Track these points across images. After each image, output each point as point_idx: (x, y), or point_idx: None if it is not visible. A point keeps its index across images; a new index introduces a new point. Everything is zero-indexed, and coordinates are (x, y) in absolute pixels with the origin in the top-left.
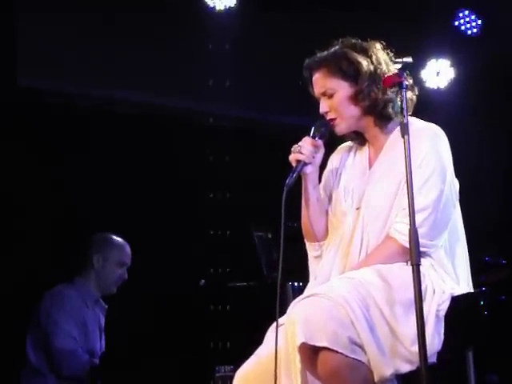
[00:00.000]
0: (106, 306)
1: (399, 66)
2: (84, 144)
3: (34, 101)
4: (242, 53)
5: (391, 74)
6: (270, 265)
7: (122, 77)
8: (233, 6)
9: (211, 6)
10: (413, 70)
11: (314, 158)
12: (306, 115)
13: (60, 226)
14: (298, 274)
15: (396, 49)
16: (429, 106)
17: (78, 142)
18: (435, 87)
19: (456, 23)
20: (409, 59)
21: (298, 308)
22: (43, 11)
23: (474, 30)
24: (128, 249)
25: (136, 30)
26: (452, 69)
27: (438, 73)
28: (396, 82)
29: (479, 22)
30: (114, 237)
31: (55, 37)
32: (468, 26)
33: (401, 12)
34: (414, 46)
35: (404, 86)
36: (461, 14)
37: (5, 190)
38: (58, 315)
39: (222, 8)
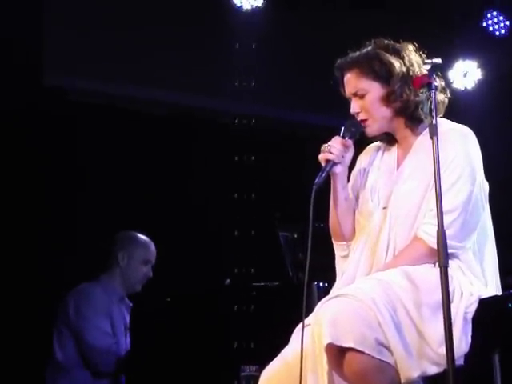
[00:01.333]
0: (131, 304)
1: (428, 66)
2: (108, 142)
3: (60, 100)
4: (269, 52)
5: (420, 74)
6: (295, 265)
7: (147, 76)
8: (260, 5)
9: (238, 5)
10: (441, 71)
11: (343, 157)
12: (334, 115)
13: (84, 224)
14: (323, 274)
15: (423, 49)
16: (456, 107)
17: (101, 141)
18: (462, 88)
19: (484, 24)
20: (438, 60)
21: (325, 308)
22: (70, 9)
23: (502, 31)
24: (153, 247)
25: (163, 30)
26: (479, 70)
27: (466, 74)
28: (425, 83)
29: (507, 22)
30: (139, 235)
31: (82, 36)
32: (496, 26)
33: (428, 12)
34: (441, 47)
35: (433, 87)
36: (489, 15)
37: (29, 186)
38: (88, 311)
39: (249, 7)
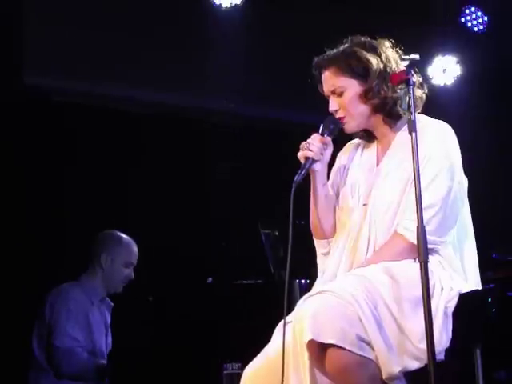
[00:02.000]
0: (112, 304)
1: (406, 63)
2: (90, 142)
3: (40, 99)
4: (248, 50)
5: (398, 71)
6: (277, 262)
7: (127, 75)
8: (239, 3)
9: (217, 3)
10: (420, 67)
11: (322, 155)
12: (313, 112)
13: (68, 224)
14: (305, 271)
15: (402, 45)
16: (435, 103)
17: (84, 141)
18: (442, 84)
19: (462, 20)
20: (416, 56)
21: (305, 305)
22: (51, 8)
23: (481, 27)
24: (135, 248)
25: (142, 28)
26: (458, 66)
27: (445, 70)
28: (403, 79)
29: (485, 18)
30: (122, 235)
31: (62, 35)
32: (474, 22)
33: (407, 8)
34: (420, 43)
35: (411, 83)
36: (467, 11)
37: (12, 188)
38: (62, 314)
39: (228, 5)
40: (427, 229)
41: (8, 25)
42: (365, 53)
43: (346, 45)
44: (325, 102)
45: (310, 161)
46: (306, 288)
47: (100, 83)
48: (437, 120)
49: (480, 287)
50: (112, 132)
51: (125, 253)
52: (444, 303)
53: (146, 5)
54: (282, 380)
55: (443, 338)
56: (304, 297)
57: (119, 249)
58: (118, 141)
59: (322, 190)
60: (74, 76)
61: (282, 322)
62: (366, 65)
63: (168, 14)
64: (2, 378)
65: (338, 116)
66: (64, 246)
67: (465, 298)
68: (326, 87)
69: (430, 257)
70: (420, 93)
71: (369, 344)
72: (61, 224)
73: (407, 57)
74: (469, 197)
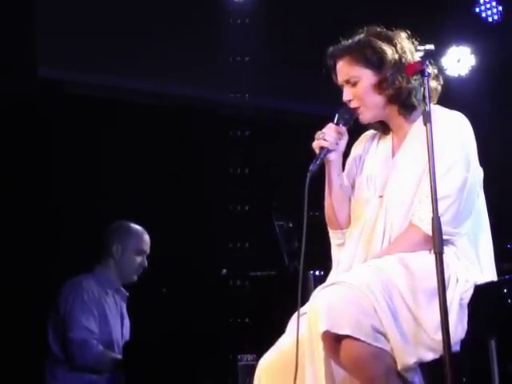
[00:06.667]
0: (127, 294)
1: (421, 53)
2: (103, 135)
3: (55, 91)
4: (264, 41)
5: (413, 61)
6: (290, 254)
7: (139, 67)
8: None
9: None
10: (434, 57)
11: (337, 144)
12: (327, 103)
13: (81, 215)
14: (319, 262)
15: (416, 35)
16: (449, 94)
17: (96, 133)
18: (456, 75)
19: (477, 10)
20: (431, 47)
21: (320, 296)
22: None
23: (495, 17)
24: (147, 236)
25: (155, 20)
26: (473, 56)
27: (459, 60)
28: (418, 70)
29: (500, 8)
30: (133, 225)
31: (75, 27)
32: (489, 12)
33: None
34: (434, 33)
35: (426, 74)
36: (481, 1)
37: (27, 180)
38: (76, 306)
39: None
40: (442, 220)
41: (21, 17)
42: (380, 43)
43: (362, 35)
44: (339, 92)
45: (325, 150)
46: (321, 279)
47: (111, 75)
48: (452, 111)
49: (495, 278)
50: (125, 124)
51: (135, 241)
52: (459, 294)
53: None
54: (296, 371)
55: (458, 329)
56: (319, 288)
57: (129, 237)
58: (130, 132)
59: (336, 179)
60: (87, 68)
61: (297, 313)
62: (381, 55)
63: (181, 4)
64: (18, 370)
65: (352, 106)
66: (78, 238)
67: (480, 290)
68: (341, 77)
69: (445, 248)
70: (435, 84)
71: (384, 335)
72: (75, 216)
73: (422, 47)
74: (484, 188)
